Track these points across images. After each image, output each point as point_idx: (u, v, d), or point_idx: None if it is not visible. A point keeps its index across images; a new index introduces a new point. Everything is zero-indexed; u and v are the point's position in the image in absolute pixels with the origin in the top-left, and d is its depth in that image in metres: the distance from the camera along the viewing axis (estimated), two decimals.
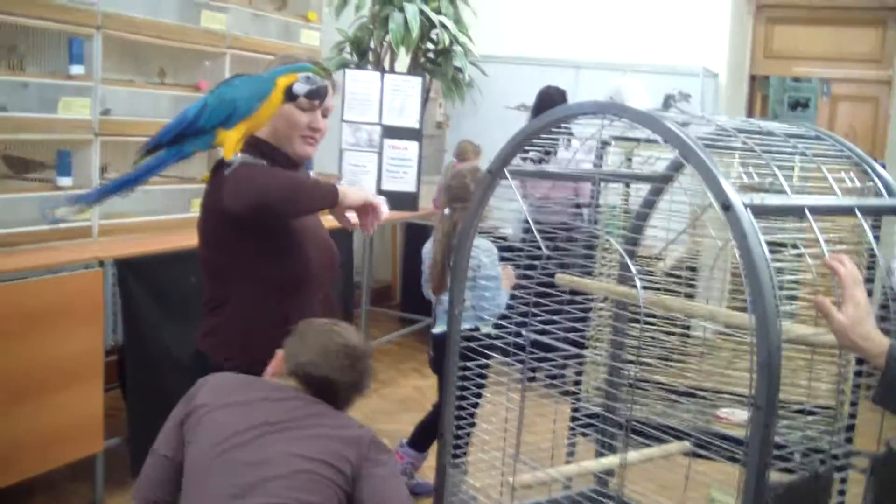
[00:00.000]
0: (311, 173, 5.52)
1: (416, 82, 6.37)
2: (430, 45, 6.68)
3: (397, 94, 6.31)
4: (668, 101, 6.21)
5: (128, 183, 2.51)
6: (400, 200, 6.24)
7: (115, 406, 4.16)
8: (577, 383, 3.04)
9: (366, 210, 2.56)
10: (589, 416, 2.86)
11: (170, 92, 4.68)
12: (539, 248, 2.40)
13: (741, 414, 2.71)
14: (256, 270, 2.48)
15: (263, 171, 2.40)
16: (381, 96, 6.28)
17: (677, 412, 2.74)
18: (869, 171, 2.36)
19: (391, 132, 6.28)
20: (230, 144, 2.39)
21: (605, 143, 3.19)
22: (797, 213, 2.02)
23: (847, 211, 2.14)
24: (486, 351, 2.62)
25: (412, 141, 6.32)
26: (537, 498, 2.67)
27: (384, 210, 2.56)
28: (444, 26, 6.39)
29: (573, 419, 2.93)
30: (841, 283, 1.83)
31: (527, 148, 2.54)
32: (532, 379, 2.59)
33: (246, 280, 2.50)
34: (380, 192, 6.26)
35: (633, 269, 2.33)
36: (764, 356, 1.77)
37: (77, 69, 4.08)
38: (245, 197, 2.35)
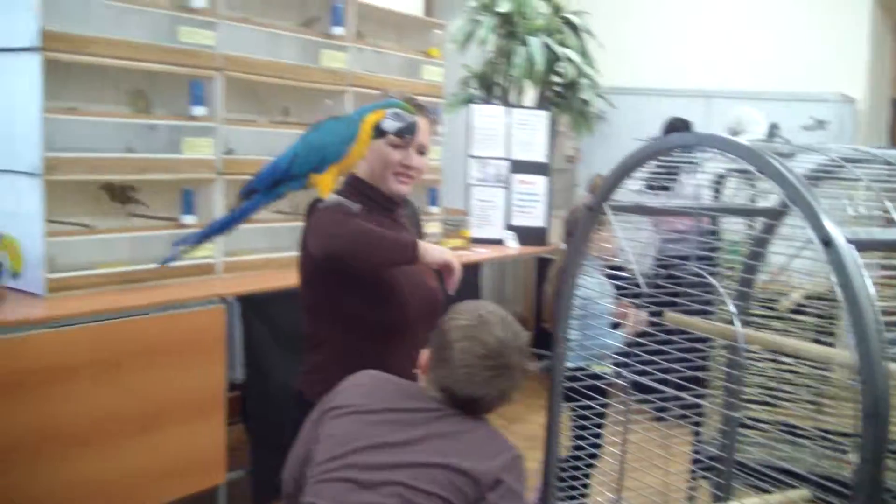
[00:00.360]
0: (436, 209, 5.51)
1: (542, 116, 6.31)
2: (556, 79, 6.60)
3: (524, 129, 6.26)
4: (772, 131, 5.94)
5: (225, 225, 2.67)
6: (529, 235, 6.17)
7: (241, 439, 4.18)
8: (697, 424, 2.88)
9: (447, 269, 2.52)
10: (709, 458, 2.69)
11: (292, 130, 4.72)
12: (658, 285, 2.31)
13: None
14: (349, 312, 2.49)
15: (341, 220, 2.40)
16: (508, 131, 6.23)
17: (803, 455, 2.56)
18: None
19: (519, 167, 6.23)
20: (324, 186, 2.45)
21: (721, 176, 3.08)
22: None
23: None
24: (593, 390, 2.52)
25: (540, 175, 6.24)
26: None
27: (458, 271, 2.52)
28: (569, 59, 6.31)
29: (694, 461, 2.79)
30: None
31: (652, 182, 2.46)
32: (660, 419, 2.46)
33: (339, 320, 2.51)
34: (509, 227, 6.19)
35: (731, 306, 2.18)
36: (870, 405, 1.60)
37: (199, 110, 4.17)
38: (318, 243, 2.40)
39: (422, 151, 2.61)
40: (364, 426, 2.01)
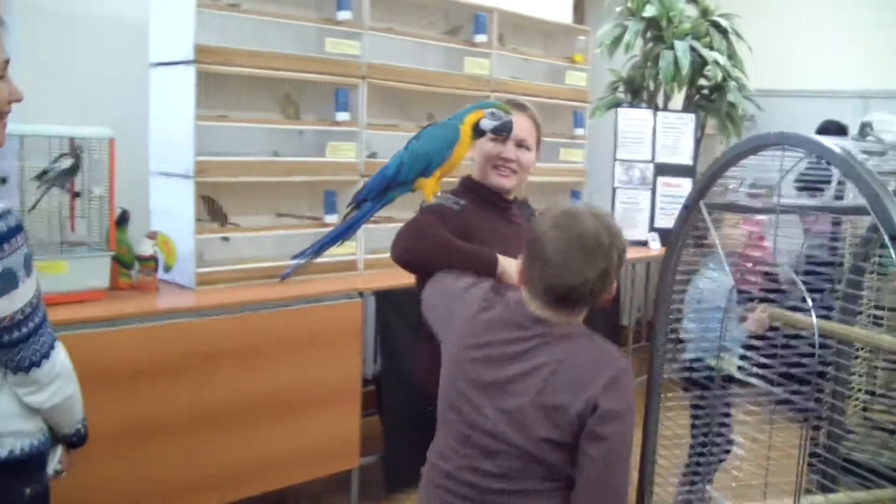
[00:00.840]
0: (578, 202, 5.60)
1: (689, 119, 6.31)
2: (703, 82, 6.57)
3: (670, 132, 6.27)
4: (863, 130, 5.73)
5: (339, 236, 2.75)
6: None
7: (375, 429, 4.39)
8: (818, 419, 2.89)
9: None
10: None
11: None
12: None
13: None
14: None
15: (423, 231, 2.49)
16: (654, 134, 6.26)
17: None
18: None
19: (664, 169, 6.24)
20: (428, 190, 2.59)
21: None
22: None
23: None
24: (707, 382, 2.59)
25: (685, 178, 6.23)
26: None
27: None
28: (716, 62, 6.28)
29: (812, 454, 2.80)
30: None
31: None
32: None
33: None
34: (652, 229, 6.21)
35: (808, 300, 2.22)
36: None
37: (343, 116, 4.40)
38: (395, 252, 2.51)
39: (521, 145, 2.69)
40: (463, 365, 2.09)
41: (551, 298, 2.02)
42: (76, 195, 3.51)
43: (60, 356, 1.98)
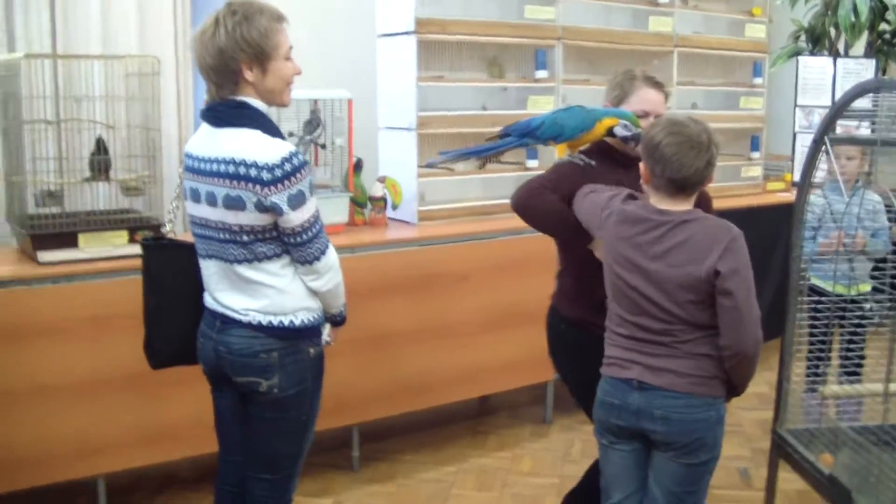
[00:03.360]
0: (757, 155, 5.87)
1: (868, 65, 6.40)
2: (885, 27, 6.61)
3: (850, 77, 6.37)
4: None
5: (480, 152, 3.18)
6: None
7: None
8: None
9: None
10: None
11: None
12: None
13: None
14: (577, 252, 2.90)
15: (544, 190, 2.85)
16: (833, 81, 6.40)
17: None
18: None
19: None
20: (559, 151, 2.97)
21: None
22: None
23: None
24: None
25: (864, 121, 6.34)
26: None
27: None
28: None
29: None
30: None
31: None
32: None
33: (575, 257, 2.97)
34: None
35: None
36: None
37: (542, 73, 4.87)
38: (513, 199, 2.91)
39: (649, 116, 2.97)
40: (618, 251, 2.61)
41: (672, 189, 2.54)
42: (322, 146, 4.13)
43: (333, 254, 2.57)
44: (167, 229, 2.81)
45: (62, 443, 3.38)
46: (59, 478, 3.42)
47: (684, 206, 2.56)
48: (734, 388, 2.57)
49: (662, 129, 2.54)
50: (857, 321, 3.98)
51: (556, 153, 3.00)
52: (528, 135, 3.01)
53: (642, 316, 2.55)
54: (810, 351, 3.43)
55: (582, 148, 2.98)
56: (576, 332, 2.97)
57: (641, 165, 2.62)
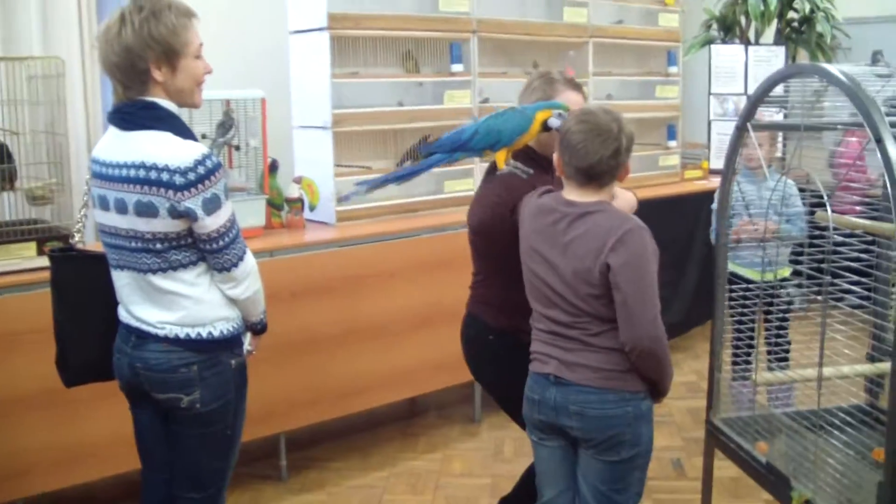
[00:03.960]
0: (674, 143, 5.90)
1: (779, 52, 6.48)
2: (793, 15, 6.72)
3: (762, 65, 6.45)
4: (875, 57, 6.03)
5: (405, 176, 3.04)
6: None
7: None
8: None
9: None
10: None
11: None
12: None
13: None
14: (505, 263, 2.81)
15: (504, 209, 2.74)
16: (746, 68, 6.47)
17: None
18: None
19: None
20: (499, 160, 2.85)
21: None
22: None
23: None
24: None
25: (777, 108, 6.42)
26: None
27: None
28: None
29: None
30: None
31: None
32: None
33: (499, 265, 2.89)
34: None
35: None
36: None
37: (458, 67, 4.81)
38: (477, 218, 2.84)
39: None
40: (530, 244, 2.59)
41: (580, 178, 2.51)
42: (236, 148, 4.01)
43: (251, 259, 2.47)
44: (76, 239, 2.67)
45: None
46: None
47: (593, 197, 2.52)
48: (654, 384, 2.52)
49: (572, 118, 2.54)
50: (783, 307, 4.03)
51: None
52: (459, 148, 2.88)
53: (553, 309, 2.53)
54: (736, 339, 3.43)
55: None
56: (506, 339, 2.87)
57: (555, 156, 2.59)
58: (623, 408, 2.48)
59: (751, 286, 3.49)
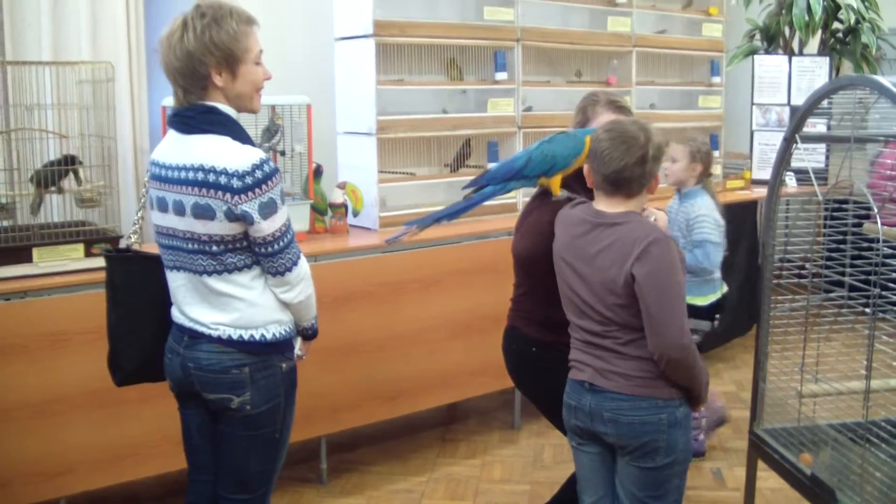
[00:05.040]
0: (716, 153, 5.89)
1: (823, 62, 6.47)
2: (838, 25, 6.70)
3: (805, 75, 6.45)
4: None
5: (458, 212, 3.01)
6: (806, 176, 6.37)
7: None
8: None
9: None
10: None
11: (583, 88, 5.25)
12: None
13: None
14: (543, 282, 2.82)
15: (550, 230, 2.72)
16: (789, 79, 6.46)
17: None
18: None
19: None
20: (555, 187, 2.84)
21: None
22: None
23: None
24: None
25: (821, 118, 6.41)
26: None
27: None
28: (849, 6, 6.42)
29: None
30: None
31: None
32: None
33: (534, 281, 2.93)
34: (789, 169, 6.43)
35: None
36: None
37: (501, 75, 4.85)
38: (521, 244, 2.90)
39: None
40: (566, 253, 2.61)
41: (607, 187, 2.54)
42: (281, 153, 4.07)
43: (305, 264, 2.51)
44: (132, 241, 2.72)
45: (22, 465, 3.27)
46: (19, 503, 3.31)
47: (621, 208, 2.54)
48: (687, 391, 2.53)
49: (603, 129, 2.57)
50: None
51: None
52: (513, 177, 2.87)
53: (585, 319, 2.56)
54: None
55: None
56: (548, 351, 2.86)
57: (585, 166, 2.63)
58: (657, 415, 2.50)
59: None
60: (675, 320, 2.41)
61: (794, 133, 2.86)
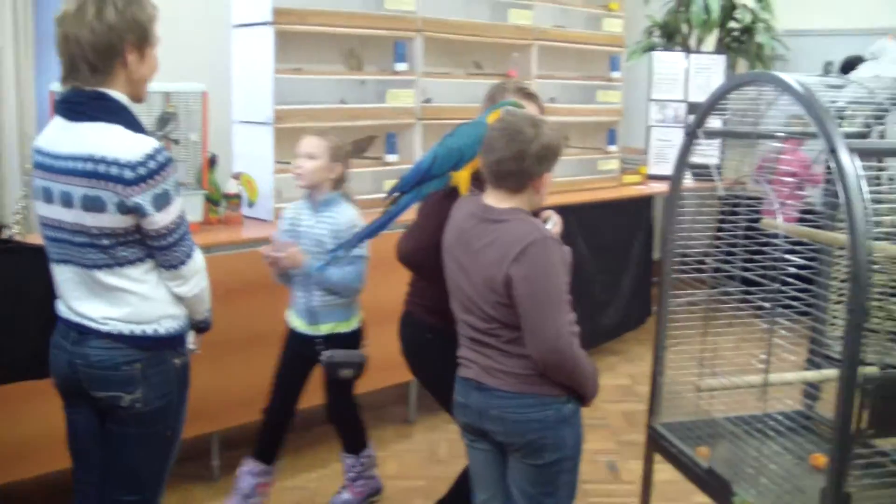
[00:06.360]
0: (614, 148, 6.01)
1: (719, 60, 6.66)
2: (734, 24, 6.89)
3: (702, 73, 6.63)
4: (826, 68, 6.41)
5: (379, 228, 3.01)
6: (705, 172, 6.54)
7: None
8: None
9: None
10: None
11: (483, 81, 5.31)
12: None
13: None
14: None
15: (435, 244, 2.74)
16: (687, 75, 6.63)
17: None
18: None
19: (696, 108, 6.58)
20: (464, 183, 2.80)
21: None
22: None
23: None
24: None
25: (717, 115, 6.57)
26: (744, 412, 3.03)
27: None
28: (745, 6, 6.61)
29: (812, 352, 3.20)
30: None
31: None
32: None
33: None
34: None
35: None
36: (854, 269, 2.12)
37: (401, 66, 4.86)
38: (406, 255, 2.94)
39: None
40: (454, 248, 2.61)
41: (490, 177, 2.54)
42: (175, 142, 4.01)
43: (199, 256, 2.50)
44: (14, 231, 2.65)
45: None
46: None
47: (507, 203, 2.53)
48: (573, 391, 2.55)
49: (499, 118, 2.58)
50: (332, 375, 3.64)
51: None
52: (424, 180, 2.83)
53: (470, 315, 2.57)
54: None
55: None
56: (442, 338, 2.87)
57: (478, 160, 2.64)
58: (543, 412, 2.51)
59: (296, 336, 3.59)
60: (552, 324, 2.41)
61: (696, 128, 2.93)
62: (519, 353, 2.49)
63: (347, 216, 3.56)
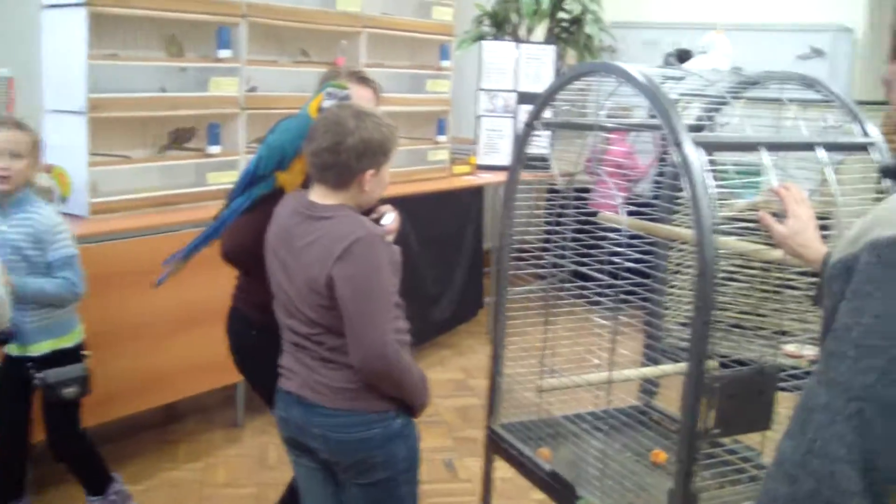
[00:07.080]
0: (443, 138, 5.99)
1: (549, 51, 6.73)
2: (563, 15, 6.98)
3: (532, 63, 6.68)
4: (667, 60, 6.58)
5: (211, 235, 2.87)
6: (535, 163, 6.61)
7: None
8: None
9: None
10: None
11: (310, 69, 5.18)
12: None
13: (810, 350, 2.94)
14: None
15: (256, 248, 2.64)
16: (517, 65, 6.67)
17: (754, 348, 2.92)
18: (851, 113, 2.61)
19: (526, 98, 6.63)
20: (288, 184, 2.67)
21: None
22: (749, 147, 2.33)
23: (806, 147, 2.41)
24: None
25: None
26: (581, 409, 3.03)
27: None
28: None
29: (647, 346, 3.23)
30: (784, 203, 2.14)
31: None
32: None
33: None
34: None
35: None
36: (701, 264, 2.13)
37: (225, 53, 4.68)
38: (227, 243, 2.85)
39: None
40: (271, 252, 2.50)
41: (311, 170, 2.42)
42: None
43: None
44: None
45: None
46: None
47: (332, 199, 2.40)
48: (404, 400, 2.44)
49: (328, 108, 2.48)
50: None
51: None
52: (251, 183, 2.72)
53: (292, 319, 2.43)
54: None
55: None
56: (267, 338, 2.72)
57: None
58: (368, 431, 2.39)
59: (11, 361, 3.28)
60: (377, 328, 2.29)
61: (535, 118, 2.90)
62: (344, 363, 2.35)
63: (51, 215, 3.28)
